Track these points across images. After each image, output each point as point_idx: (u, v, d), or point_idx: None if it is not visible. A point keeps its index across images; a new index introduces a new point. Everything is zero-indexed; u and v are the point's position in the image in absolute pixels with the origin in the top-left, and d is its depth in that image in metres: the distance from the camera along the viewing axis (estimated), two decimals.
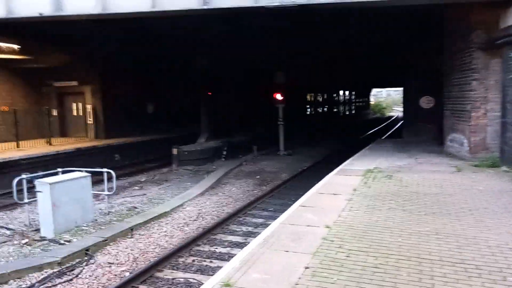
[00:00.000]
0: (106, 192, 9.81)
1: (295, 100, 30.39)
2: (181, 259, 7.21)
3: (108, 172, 9.77)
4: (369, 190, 7.53)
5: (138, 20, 13.77)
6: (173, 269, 6.83)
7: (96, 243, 7.48)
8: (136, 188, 13.14)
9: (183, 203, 10.50)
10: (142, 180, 14.55)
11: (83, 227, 8.71)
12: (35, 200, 8.60)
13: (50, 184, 8.16)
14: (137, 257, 7.26)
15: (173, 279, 6.44)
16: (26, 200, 8.91)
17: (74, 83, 20.20)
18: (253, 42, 17.41)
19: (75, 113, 20.94)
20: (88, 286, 6.12)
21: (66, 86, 20.44)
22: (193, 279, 6.42)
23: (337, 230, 5.25)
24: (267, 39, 17.39)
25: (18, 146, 15.95)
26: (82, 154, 16.27)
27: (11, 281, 6.17)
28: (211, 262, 7.08)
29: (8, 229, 8.87)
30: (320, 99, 44.27)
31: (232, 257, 6.62)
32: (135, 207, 10.45)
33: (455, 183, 8.09)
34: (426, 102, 16.74)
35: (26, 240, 8.07)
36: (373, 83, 51.99)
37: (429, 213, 6.02)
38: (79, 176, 8.94)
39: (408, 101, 17.93)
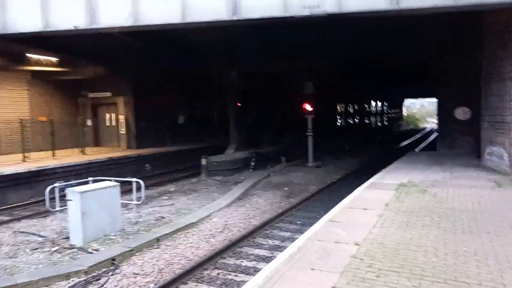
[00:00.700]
0: (135, 202, 9.89)
1: (325, 111, 30.05)
2: (206, 272, 7.10)
3: (137, 182, 9.86)
4: (402, 206, 7.21)
5: (169, 33, 14.04)
6: (198, 282, 6.73)
7: (123, 253, 7.49)
8: (165, 198, 13.22)
9: (210, 214, 10.44)
10: (171, 190, 14.64)
11: (111, 236, 8.79)
12: (67, 208, 8.75)
13: (80, 193, 8.29)
14: (162, 268, 7.21)
15: None
16: (58, 208, 9.09)
17: (108, 94, 20.78)
18: (283, 52, 17.33)
19: (108, 123, 21.50)
20: None
21: (100, 97, 21.06)
22: None
23: (367, 248, 5.01)
24: (297, 50, 17.27)
25: (53, 155, 16.47)
26: (113, 164, 16.62)
27: None
28: (236, 276, 6.94)
29: (40, 236, 9.06)
30: (351, 110, 43.62)
31: (258, 271, 6.48)
32: (163, 217, 10.47)
33: (494, 199, 7.64)
34: (462, 113, 16.10)
35: (56, 247, 8.21)
36: (406, 93, 50.82)
37: (467, 231, 5.67)
38: (109, 186, 9.06)
39: (443, 112, 17.27)
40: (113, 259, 7.23)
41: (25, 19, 10.52)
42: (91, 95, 21.13)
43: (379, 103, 53.74)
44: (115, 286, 6.44)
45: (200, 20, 9.73)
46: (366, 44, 16.31)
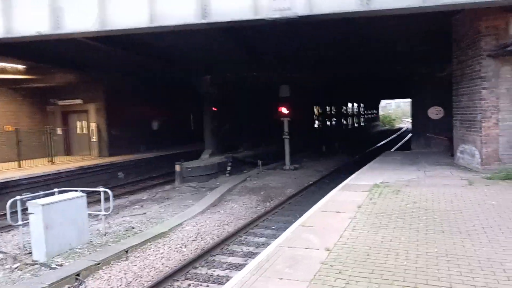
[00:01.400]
0: (103, 212, 9.49)
1: (302, 114, 30.03)
2: (176, 283, 6.82)
3: (105, 192, 9.47)
4: (375, 207, 7.10)
5: (141, 39, 13.70)
6: None
7: (88, 267, 7.13)
8: (137, 207, 12.82)
9: (182, 222, 10.13)
10: (144, 198, 14.24)
11: (78, 250, 8.39)
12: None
13: (42, 205, 7.88)
14: (130, 282, 6.89)
15: None
16: (20, 222, 8.62)
17: (78, 101, 20.20)
18: (259, 55, 17.17)
19: (79, 131, 20.87)
20: None
21: (71, 105, 20.44)
22: None
23: (338, 253, 4.84)
24: (273, 51, 17.15)
25: (19, 166, 15.82)
26: (84, 173, 16.08)
27: None
28: (207, 286, 6.69)
29: (0, 252, 8.57)
30: (328, 112, 43.85)
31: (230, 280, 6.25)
32: (133, 227, 10.10)
33: (467, 198, 7.62)
34: (435, 112, 16.29)
35: (18, 264, 7.76)
36: (381, 94, 51.43)
37: (438, 232, 5.58)
38: (74, 197, 8.66)
39: (417, 112, 17.47)
40: (78, 274, 6.86)
41: None
42: (61, 102, 20.48)
43: (356, 105, 54.27)
44: None
45: (168, 24, 9.43)
46: (342, 50, 16.36)
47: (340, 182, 10.40)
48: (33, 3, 9.99)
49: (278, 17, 9.26)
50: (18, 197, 8.83)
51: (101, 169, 17.12)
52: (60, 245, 8.14)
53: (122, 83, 20.32)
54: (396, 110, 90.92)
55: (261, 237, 9.29)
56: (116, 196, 14.26)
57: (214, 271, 7.33)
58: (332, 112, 44.91)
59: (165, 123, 23.86)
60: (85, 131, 20.53)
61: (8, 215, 8.43)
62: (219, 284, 6.74)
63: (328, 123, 43.67)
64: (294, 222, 8.21)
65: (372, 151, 26.93)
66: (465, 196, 7.75)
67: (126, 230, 9.85)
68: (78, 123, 20.81)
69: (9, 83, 18.10)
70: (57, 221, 8.10)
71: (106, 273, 7.15)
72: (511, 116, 9.92)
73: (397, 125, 72.42)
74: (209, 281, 6.91)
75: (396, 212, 6.73)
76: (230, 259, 7.90)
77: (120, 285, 6.73)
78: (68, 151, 20.65)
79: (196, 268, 7.49)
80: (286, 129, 19.43)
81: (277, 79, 20.58)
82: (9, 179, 13.32)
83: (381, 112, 78.05)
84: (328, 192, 9.34)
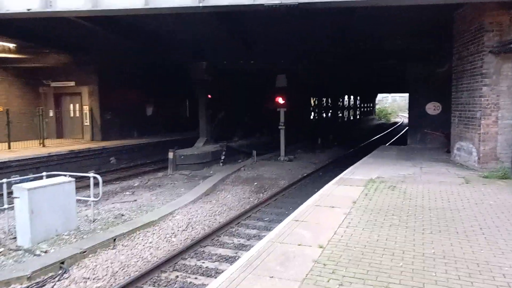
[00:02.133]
0: (92, 199, 9.26)
1: (298, 105, 29.80)
2: (164, 275, 6.64)
3: (94, 177, 9.23)
4: (370, 203, 6.92)
5: (134, 20, 13.34)
6: (154, 286, 6.26)
7: (73, 254, 6.92)
8: (128, 193, 12.59)
9: (173, 211, 9.92)
10: (135, 185, 14.00)
11: (64, 236, 8.16)
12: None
13: (28, 189, 7.62)
14: (117, 271, 6.69)
15: None
16: (5, 206, 8.37)
17: (71, 83, 19.81)
18: (254, 45, 16.85)
19: (72, 114, 20.51)
20: None
21: (64, 87, 20.04)
22: None
23: (332, 251, 4.66)
24: (269, 42, 16.83)
25: (9, 148, 15.49)
26: (75, 157, 15.79)
27: None
28: (195, 278, 6.51)
29: None
30: (324, 104, 43.63)
31: (220, 273, 6.07)
32: (123, 215, 9.88)
33: (464, 196, 7.47)
34: (432, 108, 16.11)
35: (1, 249, 7.53)
36: (378, 88, 51.21)
37: (435, 231, 5.42)
38: (62, 182, 8.40)
39: (414, 107, 17.27)
40: (62, 262, 6.65)
41: None
42: (54, 84, 20.06)
43: (352, 97, 54.07)
44: None
45: (164, 6, 9.12)
46: (338, 44, 16.08)
47: (335, 176, 10.23)
48: None
49: (277, 3, 8.98)
50: (4, 180, 8.57)
51: (93, 154, 16.84)
52: (46, 231, 7.91)
53: (117, 67, 19.89)
54: (393, 104, 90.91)
55: (253, 229, 9.12)
56: (107, 182, 14.06)
57: (203, 263, 7.16)
58: (329, 104, 44.71)
59: (160, 109, 23.54)
60: (77, 114, 20.16)
61: None
62: (208, 276, 6.58)
63: (324, 115, 43.50)
64: (287, 214, 8.06)
65: (368, 145, 26.81)
66: (462, 195, 7.60)
67: (115, 218, 9.63)
68: (71, 106, 20.45)
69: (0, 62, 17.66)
70: (43, 207, 7.86)
71: (92, 262, 6.94)
72: (511, 114, 9.74)
73: (393, 119, 72.38)
74: (197, 273, 6.73)
75: (392, 209, 6.56)
76: (220, 251, 7.73)
77: (106, 274, 6.54)
78: (60, 134, 20.32)
79: (185, 259, 7.31)
80: (282, 119, 19.19)
81: (273, 68, 20.27)
82: None
83: (377, 106, 77.91)
84: (322, 185, 9.17)
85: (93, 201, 9.35)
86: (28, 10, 9.75)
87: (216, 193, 12.43)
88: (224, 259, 7.32)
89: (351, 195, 7.54)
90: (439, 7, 10.64)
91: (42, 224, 7.83)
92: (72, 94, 20.11)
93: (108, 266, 6.84)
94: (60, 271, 6.45)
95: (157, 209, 10.36)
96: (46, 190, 7.98)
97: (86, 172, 10.13)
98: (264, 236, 6.06)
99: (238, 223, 9.50)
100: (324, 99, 43.05)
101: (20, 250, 7.44)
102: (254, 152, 18.63)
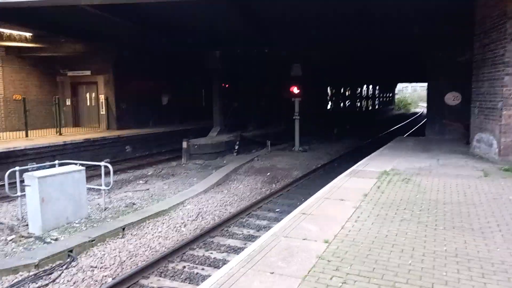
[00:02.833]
0: (103, 187, 9.29)
1: (314, 94, 29.37)
2: (171, 265, 6.60)
3: (105, 166, 9.24)
4: (382, 196, 6.71)
5: (151, 8, 13.23)
6: (161, 276, 6.23)
7: (82, 243, 6.94)
8: (141, 182, 12.64)
9: (184, 201, 9.89)
10: (149, 173, 14.05)
11: (75, 224, 8.23)
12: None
13: (39, 178, 7.68)
14: (124, 261, 6.69)
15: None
16: (19, 193, 8.48)
17: (88, 72, 19.93)
18: (269, 31, 16.55)
19: (88, 103, 20.71)
20: None
21: (80, 76, 20.20)
22: None
23: (337, 247, 4.50)
24: (284, 28, 16.49)
25: (27, 136, 15.73)
26: (90, 146, 15.94)
27: None
28: (203, 269, 6.45)
29: None
30: (342, 93, 42.95)
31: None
32: (134, 203, 9.91)
33: (481, 191, 7.17)
34: (452, 98, 15.60)
35: (13, 236, 7.63)
36: (398, 77, 50.14)
37: (449, 228, 5.19)
38: (72, 170, 8.44)
39: (433, 97, 16.75)
40: (71, 250, 6.68)
41: None
42: (70, 73, 20.24)
43: (371, 87, 53.08)
44: (68, 281, 5.91)
45: None
46: (356, 28, 15.60)
47: (349, 167, 10.01)
48: None
49: None
50: (17, 168, 8.66)
51: (108, 142, 16.98)
52: (56, 219, 7.98)
53: (132, 56, 19.92)
54: (412, 94, 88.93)
55: (263, 220, 9.01)
56: (121, 171, 14.17)
57: (211, 253, 7.09)
58: (346, 93, 43.99)
59: (176, 99, 23.52)
60: (94, 103, 20.34)
61: (7, 186, 8.30)
62: (215, 267, 6.50)
63: (342, 105, 42.84)
64: (298, 206, 7.92)
65: (385, 136, 26.30)
66: (479, 189, 7.30)
67: (126, 206, 9.66)
68: (87, 95, 20.63)
69: (17, 51, 17.86)
70: (54, 195, 7.91)
71: (100, 251, 6.96)
72: None
73: (413, 110, 70.92)
74: (205, 264, 6.67)
75: (404, 202, 6.34)
76: (229, 242, 7.65)
77: (113, 263, 6.54)
78: (76, 123, 20.56)
79: (193, 249, 7.25)
80: (297, 109, 18.93)
81: (289, 57, 19.92)
82: (14, 149, 13.22)
83: (397, 96, 76.39)
84: (336, 177, 8.98)
85: (104, 189, 9.38)
86: None
87: (228, 183, 12.36)
88: (232, 250, 7.23)
89: (362, 187, 7.33)
90: None
91: (53, 212, 7.90)
92: (88, 83, 20.27)
93: (116, 255, 6.84)
94: (68, 259, 6.48)
95: (168, 198, 10.36)
96: (57, 179, 8.02)
97: (101, 160, 10.19)
98: (275, 225, 5.93)
99: (249, 213, 9.41)
100: (342, 89, 42.35)
101: (31, 237, 7.52)
102: (268, 142, 18.48)
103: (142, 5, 12.03)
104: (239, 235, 8.03)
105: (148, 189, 11.57)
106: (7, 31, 15.54)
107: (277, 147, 19.18)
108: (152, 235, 7.84)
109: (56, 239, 7.38)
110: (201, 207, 9.69)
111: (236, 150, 17.62)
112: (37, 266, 6.09)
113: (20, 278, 5.84)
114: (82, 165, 9.02)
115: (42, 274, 5.99)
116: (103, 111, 19.80)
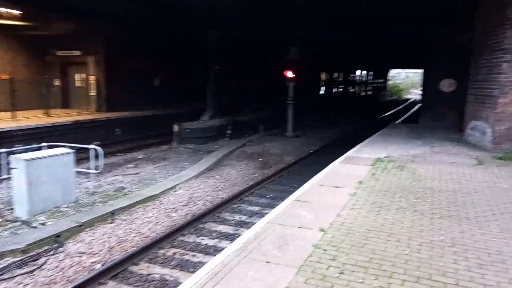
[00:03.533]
0: (92, 171, 9.08)
1: (308, 79, 29.16)
2: (161, 251, 6.47)
3: (95, 149, 9.02)
4: (377, 184, 6.62)
5: None
6: (150, 263, 6.10)
7: (70, 228, 6.77)
8: (131, 166, 12.43)
9: (175, 186, 9.74)
10: (139, 157, 13.82)
11: (63, 209, 8.03)
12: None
13: (26, 160, 7.44)
14: (113, 247, 6.54)
15: (148, 274, 5.72)
16: (4, 176, 8.25)
17: (77, 52, 19.41)
18: (267, 17, 16.17)
19: (78, 84, 20.25)
20: (50, 280, 5.43)
21: (69, 56, 19.66)
22: (170, 276, 5.68)
23: (333, 235, 4.39)
24: (280, 8, 16.07)
25: (14, 116, 15.34)
26: (79, 128, 15.61)
27: None
28: (194, 256, 6.33)
29: None
30: (335, 79, 42.74)
31: (219, 250, 5.88)
32: (124, 188, 9.73)
33: (476, 179, 7.12)
34: (447, 85, 15.51)
35: None
36: (392, 63, 49.98)
37: (445, 216, 5.11)
38: (61, 153, 8.20)
39: (428, 83, 16.65)
40: (58, 236, 6.51)
41: None
42: (60, 53, 19.70)
43: (364, 72, 52.92)
44: (55, 267, 5.75)
45: None
46: (354, 11, 15.20)
47: (343, 153, 9.91)
48: None
49: None
50: (3, 150, 8.41)
51: (98, 125, 16.64)
52: (44, 203, 7.77)
53: (123, 35, 19.41)
54: (405, 81, 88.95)
55: (255, 205, 8.91)
56: (111, 154, 13.91)
57: (202, 239, 6.98)
58: (339, 79, 43.80)
59: (169, 80, 23.03)
60: (83, 84, 19.89)
61: None
62: (206, 254, 6.40)
63: (335, 90, 42.70)
64: (291, 192, 7.80)
65: (378, 121, 26.28)
66: (474, 177, 7.25)
67: (116, 191, 9.47)
68: (77, 76, 20.15)
69: (6, 29, 17.30)
70: (41, 178, 7.69)
71: (88, 236, 6.80)
72: None
73: (405, 96, 71.02)
74: (196, 250, 6.56)
75: (399, 190, 6.25)
76: (221, 228, 7.54)
77: (102, 249, 6.39)
78: (65, 104, 20.12)
79: (184, 235, 7.13)
80: (290, 94, 18.73)
81: (286, 38, 19.52)
82: (1, 130, 12.87)
83: (389, 82, 76.30)
84: (329, 163, 8.88)
85: (93, 173, 9.17)
86: None
87: (220, 168, 12.21)
88: (224, 236, 7.13)
89: (357, 174, 7.24)
90: None
91: (40, 195, 7.69)
92: (78, 64, 19.76)
93: (105, 241, 6.69)
94: (56, 245, 6.31)
95: (159, 182, 10.18)
96: (44, 162, 7.79)
97: (90, 143, 9.95)
98: (267, 213, 5.82)
99: (241, 199, 9.29)
100: (335, 74, 42.13)
101: (18, 221, 7.33)
102: (261, 127, 18.30)
103: None
104: (231, 221, 7.92)
105: (138, 173, 11.38)
106: None
107: (269, 132, 19.03)
108: (142, 220, 7.69)
109: (43, 224, 7.19)
110: (192, 192, 9.55)
111: (228, 135, 17.42)
112: (23, 251, 5.92)
113: (5, 264, 5.67)
114: (71, 147, 8.78)
115: (29, 260, 5.82)
116: (92, 93, 19.37)
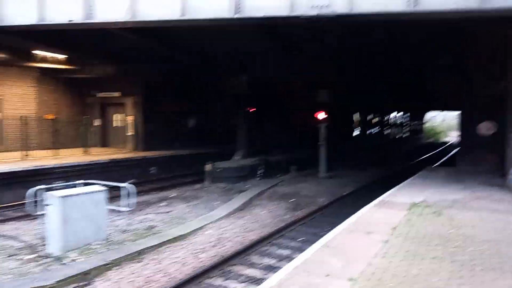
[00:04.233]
0: (124, 209, 9.22)
1: (340, 120, 29.05)
2: None
3: (126, 187, 9.20)
4: (412, 230, 6.31)
5: (177, 35, 13.48)
6: None
7: (99, 266, 6.82)
8: (163, 204, 12.55)
9: (204, 225, 9.69)
10: (171, 196, 13.97)
11: (94, 246, 8.11)
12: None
13: (60, 197, 7.67)
14: (140, 287, 6.49)
15: None
16: (39, 212, 8.50)
17: (116, 94, 20.37)
18: (295, 57, 16.55)
19: (116, 124, 21.09)
20: None
21: (109, 97, 20.67)
22: None
23: (363, 285, 4.16)
24: (313, 53, 16.44)
25: (56, 154, 16.04)
26: (116, 166, 16.07)
27: None
28: None
29: (20, 241, 8.47)
30: (370, 120, 42.36)
31: None
32: (154, 226, 9.78)
33: None
34: (486, 128, 14.94)
35: (32, 255, 7.59)
36: (429, 105, 49.10)
37: (487, 269, 4.75)
38: (94, 191, 8.42)
39: (465, 126, 16.13)
40: (87, 273, 6.55)
41: (21, 12, 10.09)
42: (100, 94, 20.77)
43: (400, 114, 52.20)
44: None
45: (199, 17, 9.08)
46: (386, 54, 15.37)
47: (377, 196, 9.60)
48: None
49: (315, 14, 8.68)
50: (41, 186, 8.73)
51: (134, 163, 17.10)
52: (75, 240, 7.90)
53: (159, 79, 20.31)
54: (442, 124, 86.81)
55: (286, 249, 8.67)
56: (144, 192, 14.16)
57: (229, 283, 6.81)
58: (374, 120, 43.37)
59: (202, 122, 23.69)
60: (121, 124, 20.69)
61: (27, 204, 8.34)
62: None
63: (369, 132, 42.20)
64: (322, 235, 7.57)
65: (414, 165, 25.50)
66: None
67: (146, 229, 9.53)
68: (115, 116, 21.03)
69: (52, 72, 18.49)
70: (74, 215, 7.86)
71: (116, 275, 6.80)
72: None
73: (442, 139, 69.02)
74: None
75: (436, 238, 5.92)
76: (249, 271, 7.35)
77: None
78: (104, 143, 20.92)
79: (210, 278, 6.99)
80: (322, 135, 18.63)
81: (316, 82, 19.80)
82: (41, 167, 13.45)
83: (426, 124, 74.69)
84: (363, 206, 8.59)
85: (125, 211, 9.30)
86: (70, 21, 10.03)
87: (250, 208, 12.10)
88: (251, 280, 6.93)
89: (391, 219, 6.94)
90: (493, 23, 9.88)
91: (72, 232, 7.83)
92: (117, 105, 20.70)
93: (132, 280, 6.66)
94: (83, 283, 6.33)
95: (189, 222, 10.18)
96: (78, 199, 7.99)
97: (126, 181, 10.17)
98: (296, 258, 5.62)
99: (270, 242, 9.08)
100: (369, 115, 41.79)
101: (50, 257, 7.46)
102: (294, 168, 18.18)
103: (173, 29, 12.24)
104: (259, 265, 7.71)
105: (169, 212, 11.45)
106: (41, 53, 16.13)
107: (301, 172, 18.84)
108: (170, 260, 7.64)
109: (74, 260, 7.28)
110: (221, 233, 9.45)
111: (259, 175, 17.39)
112: None
113: None
114: (105, 185, 9.00)
115: None
116: (130, 132, 20.08)
